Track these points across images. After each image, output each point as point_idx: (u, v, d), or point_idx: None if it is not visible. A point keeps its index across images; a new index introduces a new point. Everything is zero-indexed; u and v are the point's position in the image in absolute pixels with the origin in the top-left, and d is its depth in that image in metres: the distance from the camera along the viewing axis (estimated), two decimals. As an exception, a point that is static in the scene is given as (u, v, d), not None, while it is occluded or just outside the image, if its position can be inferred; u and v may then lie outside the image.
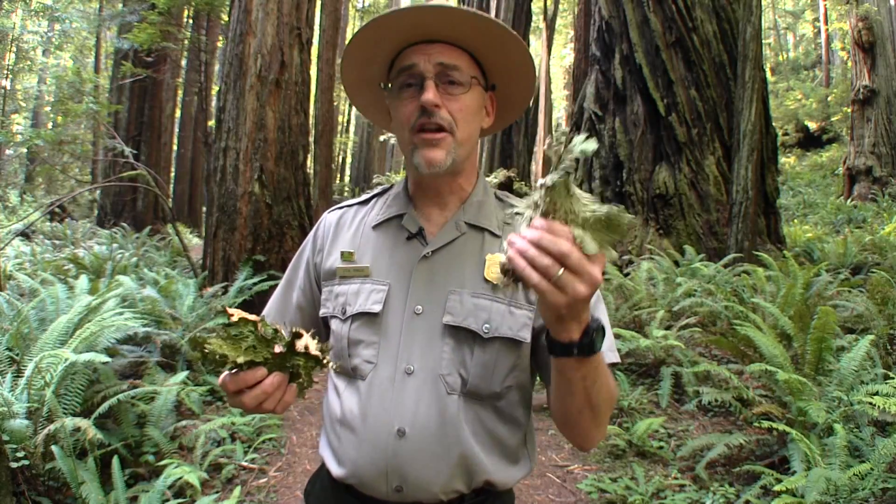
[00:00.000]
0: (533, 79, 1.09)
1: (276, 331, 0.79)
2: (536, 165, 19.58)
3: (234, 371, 0.79)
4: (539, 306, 0.76)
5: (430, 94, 0.95)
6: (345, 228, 1.11)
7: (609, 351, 1.03)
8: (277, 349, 0.79)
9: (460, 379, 0.95)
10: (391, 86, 1.03)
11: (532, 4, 15.20)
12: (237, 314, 0.78)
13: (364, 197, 1.17)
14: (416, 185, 1.07)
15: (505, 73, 1.05)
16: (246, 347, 0.78)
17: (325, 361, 0.82)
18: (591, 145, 0.68)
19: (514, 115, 1.16)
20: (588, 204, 0.69)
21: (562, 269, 0.66)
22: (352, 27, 29.02)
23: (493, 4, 14.35)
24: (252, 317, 0.78)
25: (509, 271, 0.70)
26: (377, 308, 0.98)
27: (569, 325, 0.74)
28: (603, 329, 0.80)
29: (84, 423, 2.42)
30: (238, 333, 0.78)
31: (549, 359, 0.85)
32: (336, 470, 1.00)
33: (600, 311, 1.02)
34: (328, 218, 1.15)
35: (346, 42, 1.01)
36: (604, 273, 0.90)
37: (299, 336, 0.80)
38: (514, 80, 1.08)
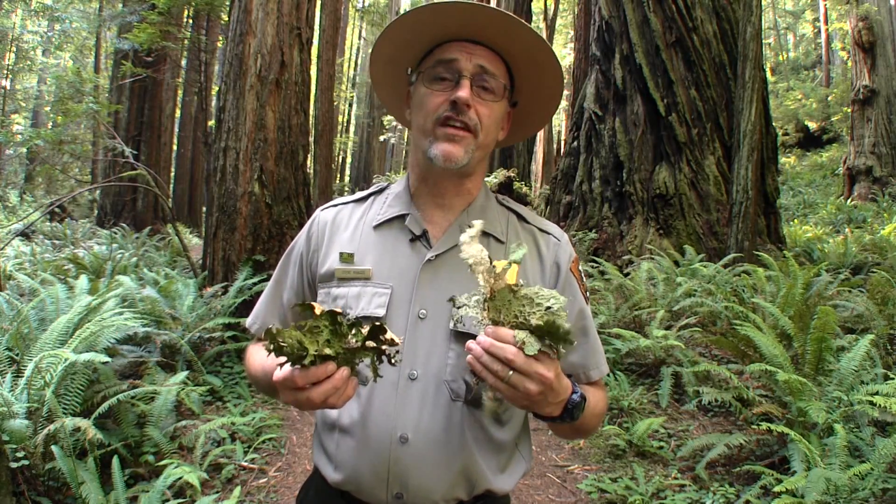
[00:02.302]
0: (555, 109, 1.09)
1: (352, 324, 0.79)
2: (536, 165, 19.58)
3: (301, 366, 0.77)
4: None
5: (465, 92, 0.94)
6: (341, 228, 1.07)
7: (597, 368, 1.05)
8: (351, 343, 0.79)
9: (465, 386, 0.94)
10: (421, 73, 1.01)
11: (532, 4, 15.20)
12: (319, 308, 0.78)
13: (360, 194, 1.12)
14: (422, 182, 1.04)
15: (532, 96, 1.05)
16: (322, 342, 0.77)
17: (393, 361, 0.81)
18: (520, 253, 0.82)
19: (523, 136, 1.16)
20: (542, 302, 0.76)
21: (511, 371, 0.74)
22: (352, 27, 28.99)
23: (493, 4, 14.36)
24: (336, 310, 0.78)
25: (473, 373, 0.79)
26: (380, 312, 0.96)
27: (540, 411, 0.83)
28: (583, 401, 0.88)
29: (84, 423, 2.41)
30: (315, 327, 0.77)
31: None
32: (332, 476, 0.98)
33: (589, 324, 1.05)
34: (322, 216, 1.10)
35: (395, 17, 0.99)
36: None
37: (383, 331, 0.79)
38: (537, 106, 1.08)
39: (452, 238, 1.00)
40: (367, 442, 0.94)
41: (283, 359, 0.77)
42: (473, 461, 0.94)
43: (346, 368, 0.80)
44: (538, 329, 0.75)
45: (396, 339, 0.79)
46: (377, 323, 0.79)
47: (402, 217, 1.03)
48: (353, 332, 0.79)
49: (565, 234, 1.10)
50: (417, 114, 1.01)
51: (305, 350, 0.76)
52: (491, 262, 0.78)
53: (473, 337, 0.94)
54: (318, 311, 0.78)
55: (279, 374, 0.79)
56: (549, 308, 0.75)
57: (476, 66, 0.96)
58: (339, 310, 0.78)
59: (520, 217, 1.08)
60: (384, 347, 0.80)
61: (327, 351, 0.77)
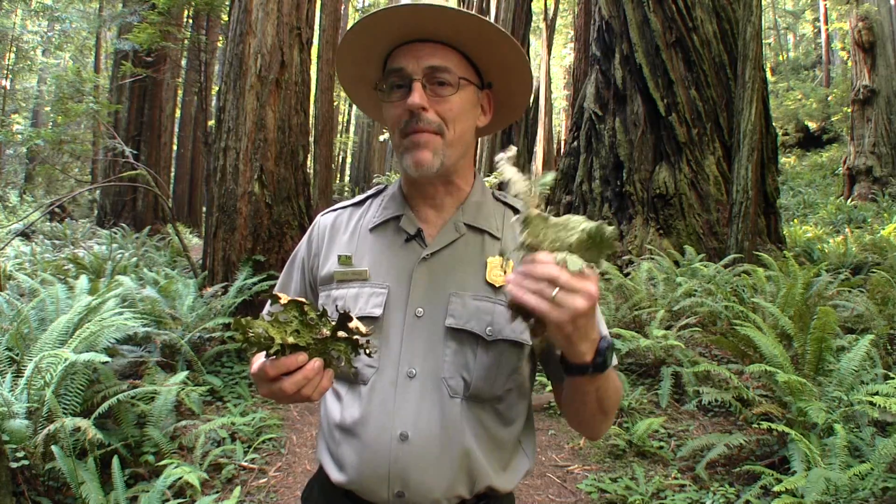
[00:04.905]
0: (529, 75, 1.07)
1: (321, 315, 0.79)
2: (536, 165, 19.58)
3: (273, 357, 0.78)
4: (549, 333, 0.78)
5: (415, 98, 0.93)
6: (340, 231, 1.09)
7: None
8: (322, 333, 0.79)
9: (463, 382, 0.94)
10: (384, 87, 1.01)
11: (532, 4, 15.19)
12: (285, 298, 0.79)
13: (359, 198, 1.14)
14: (411, 185, 1.05)
15: (499, 71, 1.04)
16: (290, 332, 0.78)
17: (368, 352, 0.81)
18: (549, 177, 0.83)
19: (515, 114, 1.14)
20: (575, 226, 0.75)
21: (556, 290, 0.71)
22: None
23: (493, 4, 14.36)
24: (301, 300, 0.78)
25: (514, 306, 0.75)
26: (377, 312, 0.97)
27: (579, 347, 0.78)
28: (613, 346, 0.84)
29: (84, 423, 2.41)
30: (284, 318, 0.78)
31: (555, 358, 0.86)
32: (336, 475, 0.99)
33: (599, 321, 1.03)
34: (322, 221, 1.13)
35: (339, 41, 1.00)
36: (605, 275, 0.93)
37: (349, 319, 0.79)
38: (509, 78, 1.06)
39: (447, 236, 1.01)
40: (367, 441, 0.94)
41: (254, 349, 0.79)
42: (474, 458, 0.94)
43: (318, 359, 0.80)
44: (579, 245, 0.74)
45: (362, 328, 0.80)
46: (344, 311, 0.79)
47: (397, 218, 1.04)
48: (323, 322, 0.79)
49: None
50: (387, 127, 1.02)
51: (272, 340, 0.76)
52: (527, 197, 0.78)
53: (469, 333, 0.94)
54: (282, 301, 0.78)
55: (254, 366, 0.81)
56: (584, 229, 0.74)
57: (424, 67, 0.95)
58: (302, 299, 0.79)
59: (516, 212, 1.08)
60: (356, 337, 0.80)
61: (293, 340, 0.77)
